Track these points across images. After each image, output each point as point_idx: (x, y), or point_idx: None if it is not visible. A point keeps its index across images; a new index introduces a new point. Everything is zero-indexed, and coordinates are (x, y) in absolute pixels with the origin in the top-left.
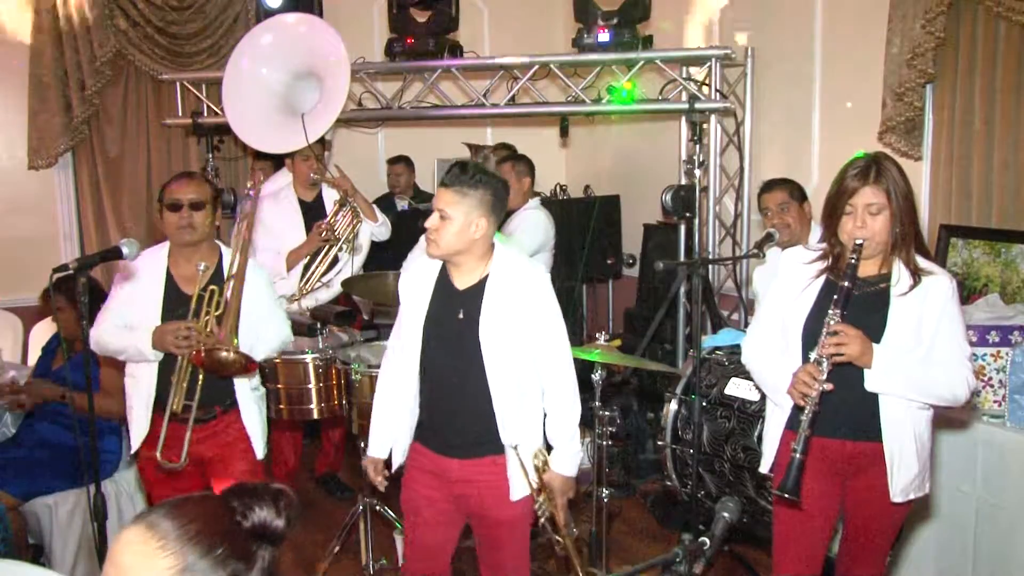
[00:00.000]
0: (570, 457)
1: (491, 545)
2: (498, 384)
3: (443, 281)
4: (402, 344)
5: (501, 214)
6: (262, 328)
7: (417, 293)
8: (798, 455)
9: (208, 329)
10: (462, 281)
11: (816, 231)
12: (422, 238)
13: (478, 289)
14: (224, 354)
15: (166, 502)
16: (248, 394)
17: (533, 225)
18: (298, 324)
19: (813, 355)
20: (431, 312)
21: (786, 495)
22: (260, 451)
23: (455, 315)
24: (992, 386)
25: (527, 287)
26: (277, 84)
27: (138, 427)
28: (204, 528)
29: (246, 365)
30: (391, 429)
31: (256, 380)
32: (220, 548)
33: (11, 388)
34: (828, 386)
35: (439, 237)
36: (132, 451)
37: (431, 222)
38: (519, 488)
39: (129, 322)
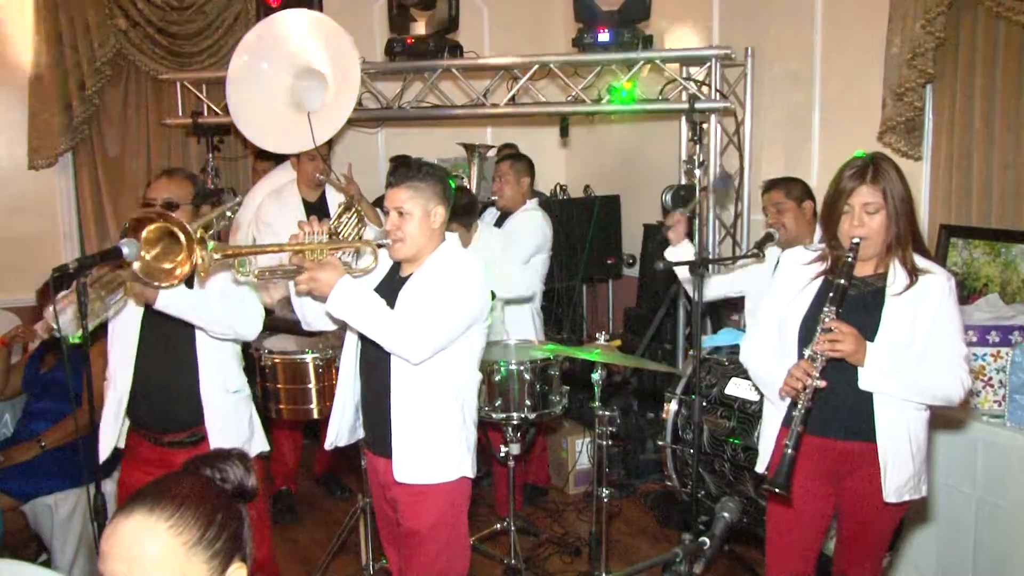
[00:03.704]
0: (357, 295)
1: (406, 558)
2: (400, 375)
3: (392, 271)
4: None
5: (450, 203)
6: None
7: (369, 280)
8: (790, 450)
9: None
10: (406, 269)
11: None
12: None
13: (410, 275)
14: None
15: (146, 489)
16: (219, 400)
17: (531, 226)
18: (299, 324)
19: (807, 351)
20: None
21: (776, 490)
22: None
23: (393, 303)
24: (992, 386)
25: (447, 270)
26: (284, 82)
27: (107, 437)
28: (199, 499)
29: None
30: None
31: (235, 381)
32: (219, 513)
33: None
34: (821, 383)
35: (404, 234)
36: (101, 461)
37: (390, 223)
38: (405, 466)
39: None
